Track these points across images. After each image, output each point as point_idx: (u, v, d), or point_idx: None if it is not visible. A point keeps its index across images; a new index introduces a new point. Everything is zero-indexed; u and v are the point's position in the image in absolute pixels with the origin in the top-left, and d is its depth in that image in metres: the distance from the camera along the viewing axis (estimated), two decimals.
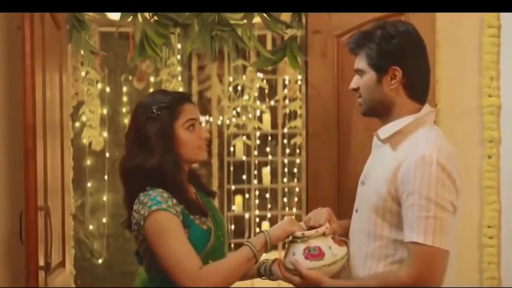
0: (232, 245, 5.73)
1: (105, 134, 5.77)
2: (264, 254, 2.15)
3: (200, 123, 2.22)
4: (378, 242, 1.99)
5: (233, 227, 6.33)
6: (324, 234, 2.04)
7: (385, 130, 2.04)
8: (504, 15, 2.95)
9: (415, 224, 1.87)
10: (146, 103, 2.19)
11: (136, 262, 2.27)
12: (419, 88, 2.03)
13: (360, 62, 2.05)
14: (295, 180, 6.57)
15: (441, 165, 1.88)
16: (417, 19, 2.87)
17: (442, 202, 1.87)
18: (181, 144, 2.15)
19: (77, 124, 5.40)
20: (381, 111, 2.05)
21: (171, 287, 2.07)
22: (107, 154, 5.85)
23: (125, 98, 6.14)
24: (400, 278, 1.91)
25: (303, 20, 3.14)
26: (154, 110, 2.14)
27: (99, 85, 5.56)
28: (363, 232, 2.03)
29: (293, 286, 2.08)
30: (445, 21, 3.00)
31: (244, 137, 6.45)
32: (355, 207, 2.12)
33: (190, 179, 2.28)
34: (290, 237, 2.09)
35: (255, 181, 6.54)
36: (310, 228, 2.09)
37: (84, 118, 5.33)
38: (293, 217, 2.22)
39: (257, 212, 6.49)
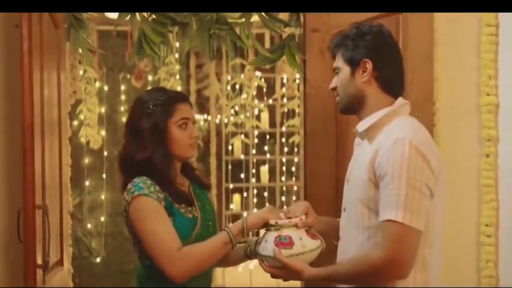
0: None
1: (103, 132, 5.76)
2: None
3: (194, 122, 2.30)
4: (367, 232, 2.00)
5: (230, 225, 6.30)
6: (296, 226, 2.10)
7: (362, 125, 2.09)
8: (502, 14, 2.94)
9: (388, 203, 1.89)
10: (143, 98, 2.28)
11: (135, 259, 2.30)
12: (392, 82, 2.08)
13: (338, 61, 2.12)
14: (293, 178, 6.58)
15: (414, 147, 1.90)
16: (415, 18, 2.88)
17: (413, 182, 1.88)
18: (172, 140, 2.23)
19: (75, 122, 5.39)
20: (356, 106, 2.10)
21: (157, 274, 2.12)
22: (105, 153, 5.84)
23: (123, 97, 6.14)
24: (372, 258, 1.91)
25: (301, 18, 3.14)
26: (150, 106, 2.23)
27: (97, 84, 5.55)
28: (352, 227, 2.05)
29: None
30: (443, 19, 3.00)
31: (242, 136, 6.45)
32: (343, 206, 2.15)
33: (185, 172, 2.35)
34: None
35: (253, 180, 6.54)
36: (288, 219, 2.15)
37: (82, 117, 5.32)
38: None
39: (255, 210, 6.48)
